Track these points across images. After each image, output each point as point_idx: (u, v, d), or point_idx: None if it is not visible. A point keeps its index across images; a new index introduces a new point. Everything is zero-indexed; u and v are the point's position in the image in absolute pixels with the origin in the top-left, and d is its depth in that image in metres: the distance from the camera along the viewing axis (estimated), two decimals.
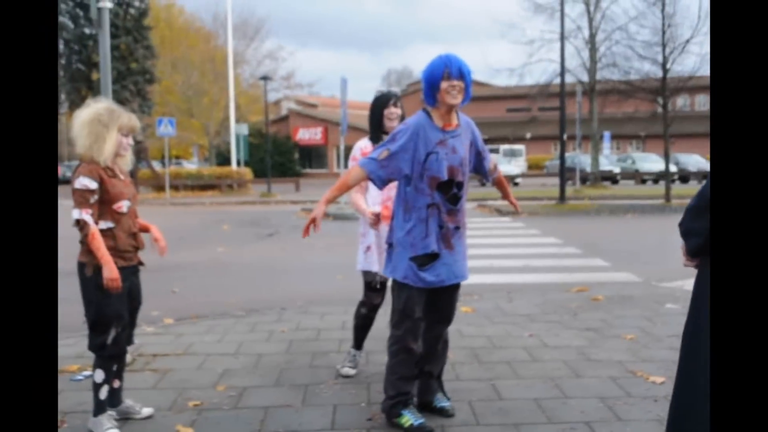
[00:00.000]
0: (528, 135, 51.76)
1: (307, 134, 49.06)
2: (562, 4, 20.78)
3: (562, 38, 20.57)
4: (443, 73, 3.35)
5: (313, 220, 3.42)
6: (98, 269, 3.35)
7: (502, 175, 3.91)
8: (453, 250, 3.52)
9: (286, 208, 21.01)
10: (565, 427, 3.52)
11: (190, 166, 42.20)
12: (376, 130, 4.23)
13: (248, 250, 11.52)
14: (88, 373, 4.33)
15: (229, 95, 31.61)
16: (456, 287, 3.66)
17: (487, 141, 50.21)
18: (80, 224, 3.33)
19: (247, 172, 31.10)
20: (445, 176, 3.42)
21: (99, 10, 5.80)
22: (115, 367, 3.56)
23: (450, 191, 3.46)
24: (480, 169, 3.74)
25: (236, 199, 25.60)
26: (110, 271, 3.32)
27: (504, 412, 3.75)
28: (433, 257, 3.46)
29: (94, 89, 31.28)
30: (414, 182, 3.43)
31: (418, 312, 3.51)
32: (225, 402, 3.96)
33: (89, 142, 3.41)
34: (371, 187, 4.20)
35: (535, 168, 46.25)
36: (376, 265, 4.22)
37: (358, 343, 4.52)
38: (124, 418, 3.64)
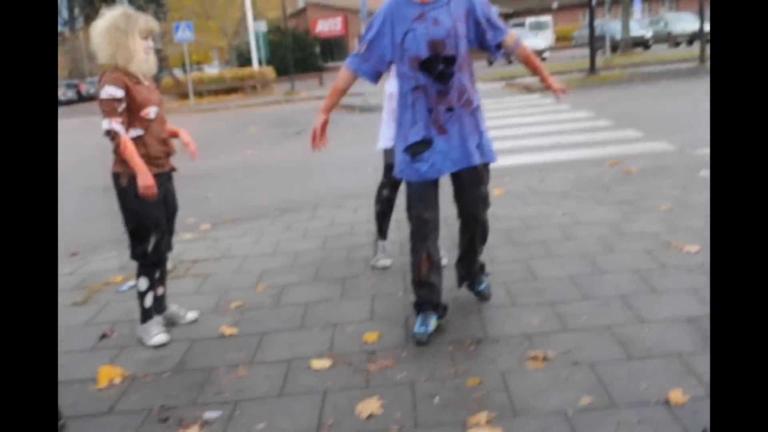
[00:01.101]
0: (555, 5, 49.65)
1: (327, 26, 47.73)
2: None
3: None
4: None
5: (315, 132, 3.30)
6: (133, 178, 3.37)
7: (527, 50, 3.40)
8: (448, 135, 3.20)
9: (312, 105, 20.82)
10: (599, 302, 3.55)
11: (212, 70, 41.73)
12: None
13: (277, 151, 11.54)
14: (132, 283, 4.47)
15: None
16: (471, 176, 3.29)
17: (512, 15, 48.43)
18: (111, 134, 3.31)
19: (269, 72, 30.64)
20: (426, 53, 3.10)
21: None
22: (157, 274, 3.66)
23: (435, 69, 3.12)
24: (483, 43, 3.26)
25: (261, 100, 25.40)
26: (145, 179, 3.34)
27: (539, 291, 3.79)
28: (426, 145, 3.21)
29: (107, 1, 30.64)
30: (398, 67, 3.22)
31: (422, 209, 3.26)
32: (266, 301, 4.08)
33: (111, 51, 3.36)
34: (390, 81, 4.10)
35: (563, 40, 44.66)
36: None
37: (383, 232, 4.54)
38: (171, 324, 3.79)
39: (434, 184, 3.30)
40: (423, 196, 3.27)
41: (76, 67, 58.34)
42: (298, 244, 5.25)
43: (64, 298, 4.40)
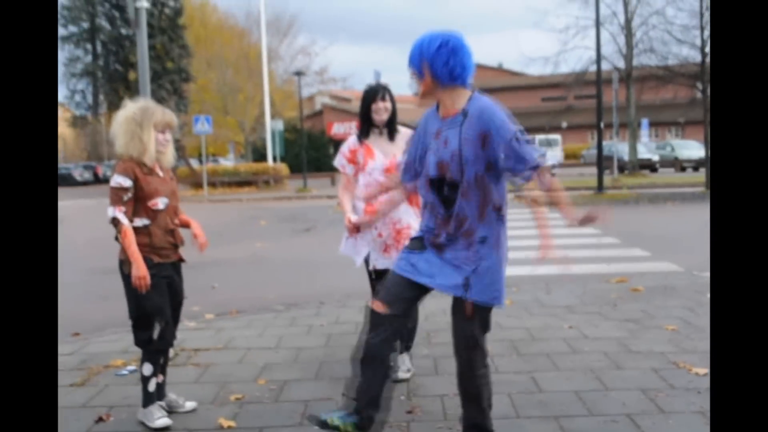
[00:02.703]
0: (564, 124, 51.13)
1: (342, 128, 49.13)
2: None
3: (597, 24, 20.24)
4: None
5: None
6: None
7: (556, 186, 3.12)
8: (442, 254, 2.94)
9: (323, 203, 21.12)
10: (606, 419, 3.49)
11: (227, 163, 42.70)
12: (366, 123, 4.12)
13: (286, 245, 11.62)
14: (132, 368, 4.44)
15: (264, 91, 31.83)
16: (457, 306, 2.95)
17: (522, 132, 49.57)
18: (114, 222, 3.43)
19: (283, 168, 31.32)
20: (432, 172, 2.93)
21: (136, 10, 5.91)
22: (162, 361, 3.64)
23: (441, 191, 2.93)
24: (500, 170, 2.92)
25: (273, 195, 25.82)
26: (138, 269, 3.40)
27: (544, 404, 3.73)
28: (420, 244, 3.00)
29: (132, 89, 31.82)
30: (420, 178, 3.10)
31: (382, 298, 2.97)
32: (266, 395, 4.02)
33: (125, 141, 3.52)
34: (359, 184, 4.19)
35: (571, 158, 45.65)
36: (353, 251, 4.26)
37: None
38: (168, 412, 3.72)
39: (411, 285, 2.96)
40: (390, 287, 2.99)
41: (95, 150, 59.92)
42: (302, 340, 5.21)
43: (62, 379, 4.34)
